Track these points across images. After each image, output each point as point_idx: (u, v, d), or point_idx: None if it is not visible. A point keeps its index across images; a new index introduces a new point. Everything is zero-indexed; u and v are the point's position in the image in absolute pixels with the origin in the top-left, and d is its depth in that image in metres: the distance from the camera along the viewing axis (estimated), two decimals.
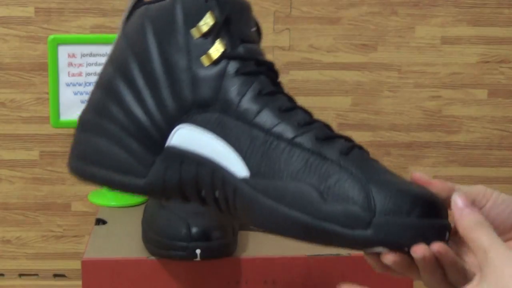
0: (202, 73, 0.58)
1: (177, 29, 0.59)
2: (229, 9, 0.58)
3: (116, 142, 0.59)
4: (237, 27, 0.59)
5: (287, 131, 0.55)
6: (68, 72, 1.05)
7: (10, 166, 1.15)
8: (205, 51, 0.58)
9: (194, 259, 0.78)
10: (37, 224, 1.17)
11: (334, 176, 0.53)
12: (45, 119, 1.12)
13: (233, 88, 0.57)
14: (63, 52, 1.04)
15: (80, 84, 1.05)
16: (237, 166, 0.56)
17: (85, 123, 0.62)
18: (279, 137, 0.55)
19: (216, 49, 0.58)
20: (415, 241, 0.51)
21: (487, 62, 1.18)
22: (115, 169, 0.59)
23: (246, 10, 0.61)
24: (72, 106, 1.05)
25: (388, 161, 1.17)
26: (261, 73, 0.58)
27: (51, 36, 1.04)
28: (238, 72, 0.57)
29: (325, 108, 1.17)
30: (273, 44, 1.15)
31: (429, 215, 0.52)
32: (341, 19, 1.15)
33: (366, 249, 0.52)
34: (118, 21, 1.11)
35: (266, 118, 0.56)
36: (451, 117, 1.19)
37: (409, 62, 1.17)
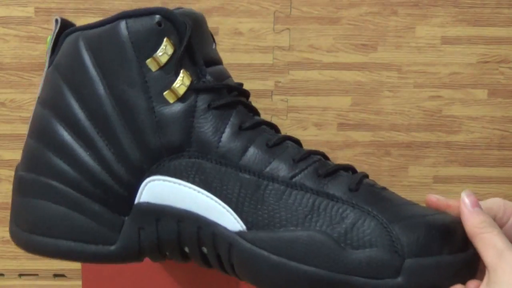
0: (168, 112, 0.48)
1: (128, 61, 0.48)
2: (188, 31, 0.48)
3: (70, 205, 0.49)
4: (199, 49, 0.50)
5: (282, 170, 0.47)
6: None
7: (10, 166, 1.15)
8: (168, 85, 0.48)
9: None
10: None
11: (348, 218, 0.45)
12: None
13: (207, 126, 0.48)
14: None
15: None
16: (227, 219, 0.47)
17: (23, 183, 0.53)
18: (273, 178, 0.47)
19: (182, 82, 0.48)
20: (451, 280, 0.45)
21: (487, 62, 1.18)
22: (76, 238, 0.49)
23: (203, 24, 0.51)
24: None
25: (388, 161, 1.17)
26: (237, 103, 0.50)
27: (51, 36, 1.04)
28: (210, 107, 0.49)
29: (325, 108, 1.17)
30: (273, 44, 1.15)
31: (461, 249, 0.46)
32: (341, 19, 1.15)
33: None
34: None
35: (255, 157, 0.48)
36: (451, 117, 1.19)
37: (409, 62, 1.17)
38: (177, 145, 0.48)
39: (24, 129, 1.15)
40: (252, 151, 0.48)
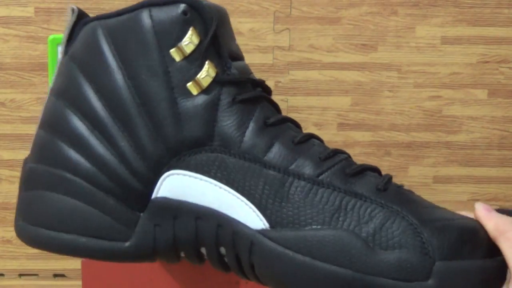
0: (191, 104, 0.46)
1: (150, 50, 0.46)
2: (214, 21, 0.47)
3: (84, 198, 0.47)
4: (224, 42, 0.48)
5: (308, 167, 0.45)
6: None
7: (10, 166, 1.15)
8: (192, 76, 0.46)
9: None
10: None
11: (377, 218, 0.43)
12: None
13: (231, 120, 0.46)
14: None
15: None
16: (249, 217, 0.45)
17: (32, 175, 0.49)
18: (299, 176, 0.45)
19: (207, 74, 0.46)
20: (480, 286, 0.43)
21: (487, 62, 1.18)
22: (87, 233, 0.47)
23: (226, 19, 0.50)
24: None
25: (388, 161, 1.17)
26: (262, 98, 0.48)
27: (51, 36, 1.04)
28: (235, 100, 0.47)
29: (325, 108, 1.17)
30: (273, 44, 1.15)
31: (492, 254, 0.44)
32: (341, 19, 1.15)
33: None
34: None
35: (280, 153, 0.46)
36: (451, 117, 1.19)
37: (409, 62, 1.17)
38: (199, 138, 0.46)
39: (24, 129, 1.16)
40: (277, 147, 0.46)
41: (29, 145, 1.21)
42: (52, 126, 0.49)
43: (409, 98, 1.18)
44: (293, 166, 0.45)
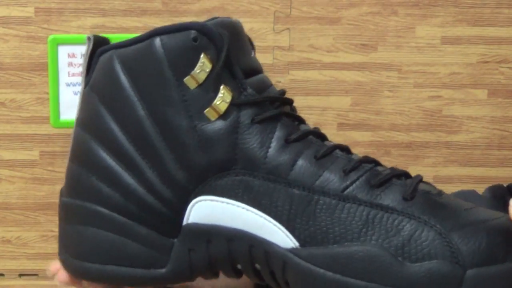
0: (210, 130, 0.46)
1: (165, 79, 0.46)
2: (225, 44, 0.46)
3: (117, 230, 0.48)
4: (238, 61, 0.47)
5: (332, 182, 0.45)
6: (68, 72, 1.05)
7: (10, 166, 1.15)
8: (208, 103, 0.46)
9: None
10: (37, 224, 1.17)
11: (404, 230, 0.42)
12: (45, 119, 1.12)
13: (252, 141, 0.46)
14: (63, 52, 1.04)
15: (80, 84, 1.05)
16: (279, 237, 0.45)
17: (69, 210, 0.50)
18: (324, 192, 0.44)
19: (223, 99, 0.46)
20: None
21: (487, 62, 1.18)
22: (126, 263, 0.48)
23: (240, 33, 0.49)
24: (72, 106, 1.05)
25: (388, 161, 1.17)
26: (281, 115, 0.47)
27: (51, 36, 1.04)
28: (254, 121, 0.46)
29: (325, 108, 1.17)
30: (273, 44, 1.15)
31: None
32: (341, 19, 1.15)
33: None
34: (118, 21, 1.11)
35: (303, 171, 0.45)
36: (451, 117, 1.19)
37: (409, 62, 1.17)
38: (222, 163, 0.46)
39: (24, 129, 1.16)
40: (300, 164, 0.45)
41: (29, 145, 1.22)
42: (81, 159, 0.49)
43: (409, 98, 1.18)
44: (317, 183, 0.45)
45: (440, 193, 0.46)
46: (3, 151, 1.15)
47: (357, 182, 0.45)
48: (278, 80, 1.14)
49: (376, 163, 0.48)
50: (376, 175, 0.46)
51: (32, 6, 1.11)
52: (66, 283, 0.49)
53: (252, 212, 0.45)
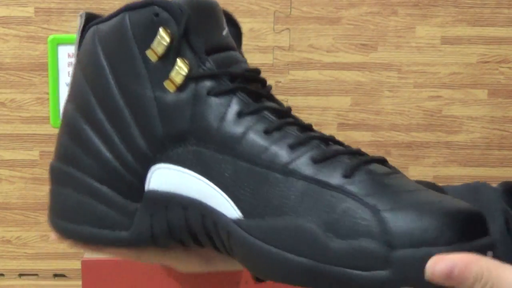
0: (169, 101, 0.48)
1: (132, 53, 0.49)
2: (186, 19, 0.48)
3: (89, 193, 0.51)
4: (201, 36, 0.49)
5: (278, 157, 0.45)
6: (68, 72, 1.05)
7: (10, 166, 1.15)
8: (166, 75, 0.48)
9: None
10: (37, 224, 1.17)
11: (339, 206, 0.42)
12: (45, 119, 1.12)
13: (207, 114, 0.48)
14: (63, 52, 1.04)
15: None
16: (226, 207, 0.46)
17: (54, 173, 0.53)
18: (269, 166, 0.45)
19: (178, 72, 0.48)
20: None
21: (487, 62, 1.18)
22: (95, 224, 0.51)
23: (209, 11, 0.50)
24: None
25: (388, 161, 1.17)
26: (238, 90, 0.48)
27: (51, 36, 1.04)
28: (210, 93, 0.48)
29: (325, 108, 1.17)
30: (273, 44, 1.15)
31: (462, 239, 0.40)
32: (341, 19, 1.15)
33: None
34: None
35: (252, 144, 0.46)
36: (451, 117, 1.19)
37: (409, 62, 1.17)
38: (179, 133, 0.48)
39: (24, 129, 1.16)
40: (250, 138, 0.46)
41: (29, 145, 1.22)
42: (67, 128, 0.53)
43: (409, 98, 1.18)
44: (264, 156, 0.45)
45: (393, 174, 0.45)
46: (3, 151, 1.15)
47: (302, 158, 0.45)
48: (278, 80, 1.14)
49: (329, 140, 0.47)
50: (323, 152, 0.45)
51: (32, 6, 1.11)
52: (58, 242, 0.52)
53: (204, 182, 0.47)
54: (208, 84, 0.48)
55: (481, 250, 0.40)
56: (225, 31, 0.51)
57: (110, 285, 0.82)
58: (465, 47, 1.17)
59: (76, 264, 1.15)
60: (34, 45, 1.12)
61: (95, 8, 1.11)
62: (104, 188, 0.50)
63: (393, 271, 0.40)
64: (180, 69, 0.48)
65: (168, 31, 0.48)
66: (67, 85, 1.05)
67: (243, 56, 0.51)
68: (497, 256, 0.41)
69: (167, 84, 0.48)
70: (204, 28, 0.49)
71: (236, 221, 0.46)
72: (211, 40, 0.49)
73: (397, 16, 1.15)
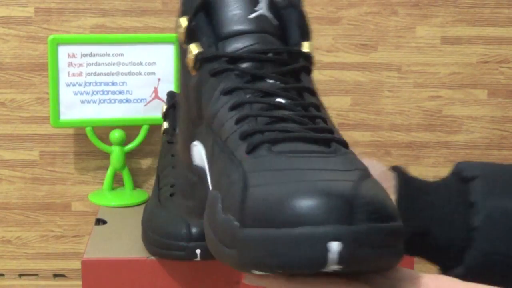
0: (190, 84, 0.52)
1: (182, 48, 0.54)
2: (200, 4, 0.50)
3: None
4: (216, 19, 0.51)
5: (225, 133, 0.47)
6: (68, 72, 1.05)
7: (10, 166, 1.15)
8: (186, 59, 0.52)
9: (194, 259, 0.78)
10: (37, 224, 1.17)
11: (231, 178, 0.43)
12: (45, 119, 1.12)
13: (206, 93, 0.50)
14: (63, 52, 1.04)
15: (80, 84, 1.05)
16: (208, 180, 0.50)
17: None
18: (217, 142, 0.48)
19: (190, 54, 0.51)
20: (276, 257, 0.37)
21: (487, 62, 1.18)
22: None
23: None
24: (72, 106, 1.05)
25: (388, 161, 1.17)
26: (225, 70, 0.50)
27: (51, 36, 1.04)
28: (209, 74, 0.50)
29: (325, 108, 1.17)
30: None
31: (304, 223, 0.37)
32: (341, 19, 1.15)
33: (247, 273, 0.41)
34: (118, 21, 1.11)
35: (218, 121, 0.48)
36: (451, 117, 1.19)
37: (409, 62, 1.17)
38: (196, 114, 0.52)
39: (24, 129, 1.16)
40: (219, 114, 0.48)
41: (29, 145, 1.21)
42: None
43: (409, 98, 1.18)
44: (220, 132, 0.49)
45: (302, 152, 0.43)
46: (3, 151, 1.15)
47: (235, 133, 0.46)
48: None
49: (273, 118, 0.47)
50: (251, 126, 0.46)
51: (32, 6, 1.11)
52: None
53: (204, 155, 0.51)
54: (210, 66, 0.50)
55: (323, 238, 0.37)
56: (256, 14, 0.51)
57: (110, 285, 0.82)
58: (465, 47, 1.17)
59: (76, 264, 1.15)
60: (34, 45, 1.12)
61: (95, 8, 1.11)
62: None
63: (238, 250, 0.38)
64: (191, 52, 0.51)
65: (186, 18, 0.51)
66: (67, 85, 1.06)
67: (298, 38, 0.52)
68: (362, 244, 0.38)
69: (189, 68, 0.52)
70: (220, 12, 0.51)
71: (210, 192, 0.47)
72: (229, 25, 0.51)
73: (397, 16, 1.15)
